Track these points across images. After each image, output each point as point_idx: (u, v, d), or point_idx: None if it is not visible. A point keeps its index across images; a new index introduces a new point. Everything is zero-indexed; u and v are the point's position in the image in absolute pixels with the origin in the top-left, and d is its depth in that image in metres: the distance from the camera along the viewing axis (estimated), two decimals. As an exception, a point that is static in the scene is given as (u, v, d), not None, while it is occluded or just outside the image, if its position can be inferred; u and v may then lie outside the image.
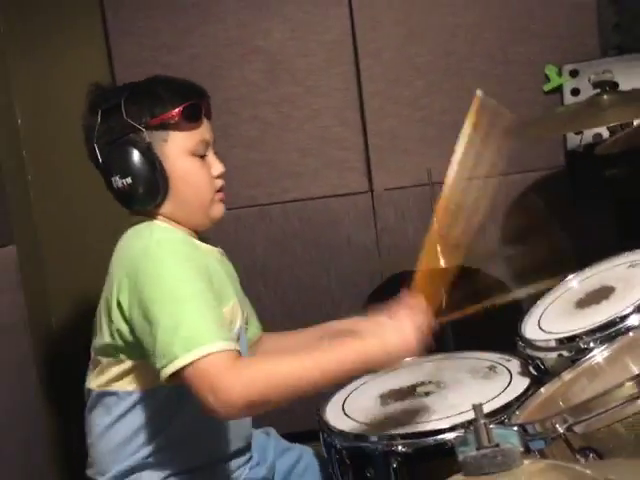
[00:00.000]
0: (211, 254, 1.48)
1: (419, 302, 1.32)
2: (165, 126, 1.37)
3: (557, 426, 0.90)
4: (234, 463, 1.48)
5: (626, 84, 2.01)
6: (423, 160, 2.31)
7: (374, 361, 1.28)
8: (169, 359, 1.18)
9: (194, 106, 1.39)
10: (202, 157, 1.43)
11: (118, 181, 1.36)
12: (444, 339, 2.04)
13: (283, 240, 2.39)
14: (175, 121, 1.36)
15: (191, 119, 1.38)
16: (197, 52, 2.32)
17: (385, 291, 2.35)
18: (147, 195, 1.36)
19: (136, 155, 1.34)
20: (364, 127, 2.36)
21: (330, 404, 1.63)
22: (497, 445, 0.54)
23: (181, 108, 1.36)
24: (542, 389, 1.20)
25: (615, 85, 1.84)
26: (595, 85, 1.76)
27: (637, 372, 1.13)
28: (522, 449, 0.55)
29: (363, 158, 2.37)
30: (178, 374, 1.18)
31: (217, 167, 1.45)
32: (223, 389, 1.15)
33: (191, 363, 1.16)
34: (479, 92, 1.50)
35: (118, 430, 1.40)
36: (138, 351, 1.30)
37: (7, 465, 1.77)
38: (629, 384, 0.89)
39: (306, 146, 2.36)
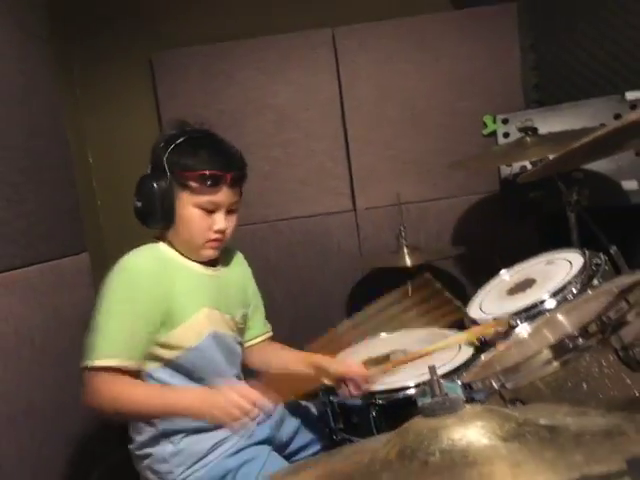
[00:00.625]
0: (192, 270, 1.36)
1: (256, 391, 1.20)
2: (185, 180, 1.28)
3: (493, 383, 0.91)
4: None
5: (543, 129, 2.03)
6: (392, 187, 2.32)
7: (192, 414, 1.22)
8: (83, 358, 1.22)
9: (213, 176, 1.27)
10: (210, 212, 1.31)
11: (136, 202, 1.32)
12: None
13: (289, 248, 2.38)
14: (193, 182, 1.27)
15: (206, 185, 1.27)
16: (223, 108, 2.33)
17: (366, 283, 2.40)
18: (150, 220, 1.31)
19: (154, 190, 1.28)
20: (349, 163, 2.36)
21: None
22: (446, 394, 0.56)
23: (201, 174, 1.26)
24: (482, 356, 1.19)
25: (535, 130, 1.84)
26: (520, 130, 1.76)
27: (553, 342, 1.13)
28: (464, 398, 0.56)
29: (348, 186, 2.38)
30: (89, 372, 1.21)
31: (218, 225, 1.31)
32: (90, 396, 1.21)
33: (87, 369, 1.20)
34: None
35: None
36: None
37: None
38: (546, 351, 0.90)
39: (305, 177, 2.36)
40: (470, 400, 1.02)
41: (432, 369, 0.61)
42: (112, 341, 1.22)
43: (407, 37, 2.33)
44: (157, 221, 1.31)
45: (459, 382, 0.91)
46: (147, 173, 1.34)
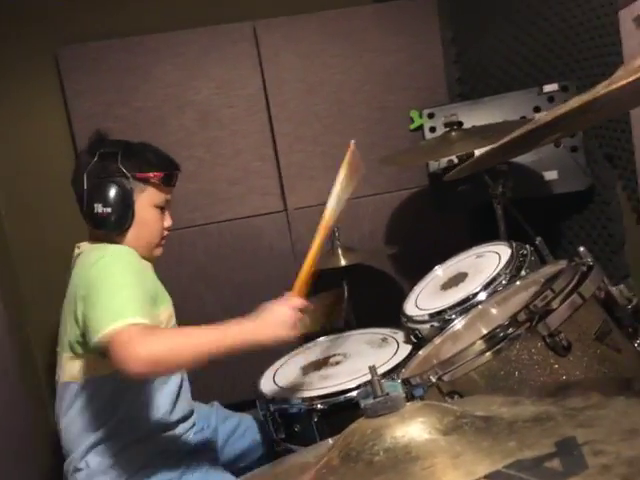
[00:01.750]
0: (150, 268, 1.48)
1: (292, 296, 1.38)
2: (146, 181, 1.41)
3: (431, 377, 0.96)
4: (179, 429, 1.44)
5: (468, 123, 2.13)
6: (324, 184, 2.33)
7: (253, 339, 1.24)
8: (99, 330, 1.16)
9: (171, 175, 1.46)
10: (162, 211, 1.47)
11: (100, 208, 1.37)
12: (350, 321, 2.12)
13: (219, 251, 2.36)
14: (155, 181, 1.42)
15: (167, 184, 1.45)
16: (142, 106, 2.27)
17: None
18: (117, 224, 1.38)
19: (119, 194, 1.37)
20: (277, 161, 2.38)
21: (264, 377, 1.64)
22: (387, 394, 0.59)
23: (162, 174, 1.42)
24: (420, 352, 1.25)
25: (460, 124, 1.94)
26: (446, 125, 1.85)
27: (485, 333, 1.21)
28: (405, 395, 0.59)
29: (278, 185, 2.39)
30: (105, 342, 1.15)
31: (168, 222, 1.50)
32: (132, 348, 1.12)
33: (114, 331, 1.14)
34: (352, 142, 1.57)
35: (75, 418, 1.36)
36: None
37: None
38: (479, 342, 0.96)
39: (232, 177, 2.35)
40: (410, 396, 1.08)
41: (372, 369, 0.64)
42: (131, 300, 1.22)
43: (330, 31, 2.37)
44: (122, 225, 1.39)
45: (399, 380, 0.95)
46: (100, 178, 1.39)
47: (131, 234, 1.41)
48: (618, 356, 0.94)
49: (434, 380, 0.96)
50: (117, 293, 1.24)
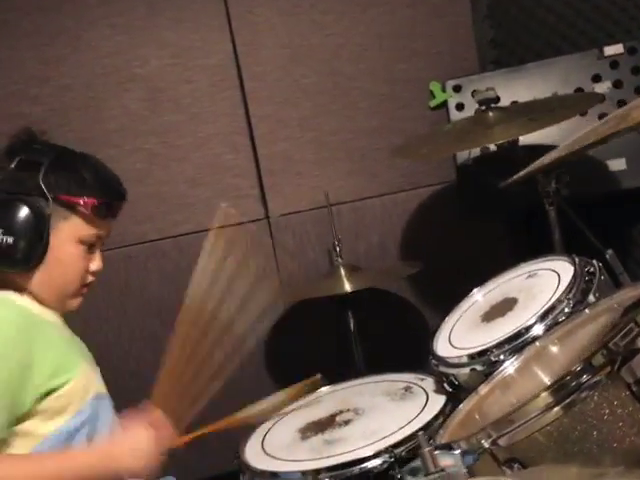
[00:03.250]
0: (52, 328, 1.43)
1: (162, 420, 1.36)
2: (72, 208, 1.37)
3: (482, 441, 0.99)
4: None
5: (506, 97, 2.20)
6: (318, 182, 2.42)
7: (101, 471, 1.28)
8: None
9: (107, 205, 1.42)
10: (89, 248, 1.43)
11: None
12: (355, 364, 2.15)
13: (178, 275, 2.37)
14: (83, 210, 1.38)
15: (99, 215, 1.40)
16: (69, 83, 2.31)
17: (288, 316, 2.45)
18: (18, 261, 1.35)
19: (29, 219, 1.34)
20: (255, 152, 2.42)
21: (249, 444, 1.66)
22: (443, 470, 0.62)
23: (95, 202, 1.38)
24: (461, 405, 1.28)
25: (498, 100, 2.01)
26: (480, 103, 1.91)
27: (548, 382, 1.24)
28: (465, 470, 0.62)
29: (256, 184, 2.43)
30: None
31: (97, 264, 1.46)
32: None
33: None
34: (223, 205, 1.66)
35: None
36: None
37: None
38: (544, 394, 0.99)
39: (195, 176, 2.39)
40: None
41: (422, 438, 0.67)
42: None
43: (322, -22, 2.43)
44: (25, 259, 1.35)
45: (458, 451, 0.97)
46: (9, 193, 1.37)
47: (39, 275, 1.38)
48: None
49: (487, 445, 0.98)
50: None
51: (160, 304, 2.39)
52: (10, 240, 1.33)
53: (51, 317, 1.43)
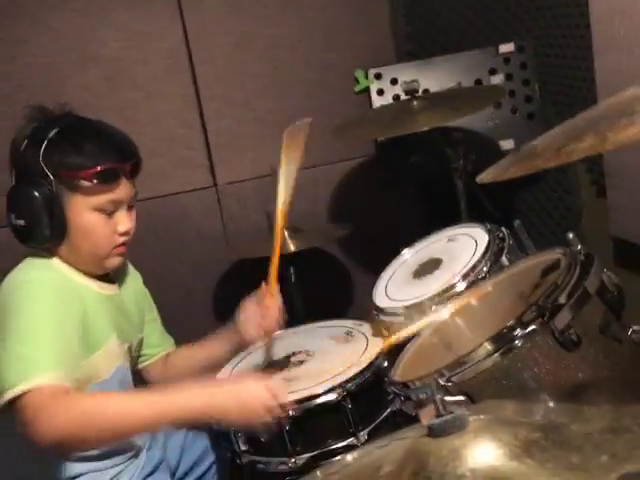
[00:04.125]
0: (94, 293, 1.38)
1: (280, 388, 1.29)
2: (76, 182, 1.27)
3: (439, 380, 1.06)
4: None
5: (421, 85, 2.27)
6: (259, 155, 2.41)
7: (217, 414, 1.24)
8: (5, 387, 1.13)
9: (110, 170, 1.29)
10: (110, 213, 1.33)
11: (13, 219, 1.28)
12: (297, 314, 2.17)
13: (138, 237, 2.26)
14: (87, 181, 1.27)
15: (104, 182, 1.28)
16: (33, 61, 2.19)
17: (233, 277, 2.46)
18: (38, 239, 1.28)
19: (37, 201, 1.25)
20: (204, 128, 2.38)
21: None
22: (452, 412, 0.68)
23: (96, 171, 1.26)
24: (406, 349, 1.36)
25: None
26: (406, 92, 1.95)
27: (477, 329, 1.34)
28: (467, 413, 0.68)
29: (205, 156, 2.40)
30: (12, 401, 1.12)
31: (123, 225, 1.35)
32: (40, 423, 1.08)
33: (22, 394, 1.10)
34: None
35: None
36: None
37: None
38: (487, 343, 1.07)
39: (151, 147, 2.29)
40: (409, 399, 1.19)
41: (434, 384, 0.72)
42: (47, 351, 1.17)
43: (264, -26, 2.39)
44: (46, 238, 1.28)
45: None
46: (16, 181, 1.30)
47: (67, 245, 1.31)
48: (620, 347, 1.10)
49: (442, 383, 1.06)
50: (31, 340, 1.17)
51: None
52: (21, 222, 1.27)
53: (92, 286, 1.37)
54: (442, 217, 2.07)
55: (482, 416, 0.69)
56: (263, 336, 1.49)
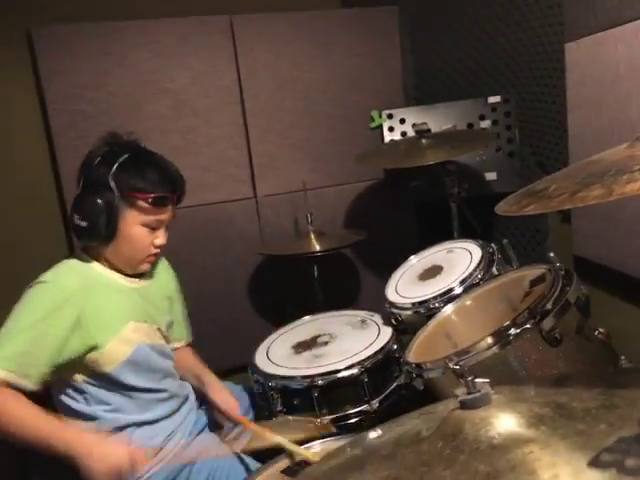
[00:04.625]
0: (119, 284, 1.39)
1: (140, 453, 1.23)
2: (134, 201, 1.32)
3: (450, 364, 1.12)
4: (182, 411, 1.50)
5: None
6: (291, 174, 2.46)
7: (76, 454, 1.15)
8: None
9: (163, 198, 1.35)
10: (153, 229, 1.38)
11: (76, 219, 1.32)
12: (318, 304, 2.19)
13: (190, 236, 2.36)
14: (143, 204, 1.33)
15: (156, 205, 1.34)
16: (115, 90, 2.21)
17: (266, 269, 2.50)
18: (92, 239, 1.33)
19: (101, 210, 1.29)
20: (249, 150, 2.41)
21: (257, 353, 1.73)
22: (479, 390, 0.73)
23: (152, 197, 1.32)
24: (421, 331, 1.41)
25: (429, 130, 2.09)
26: (417, 132, 2.00)
27: (476, 324, 1.39)
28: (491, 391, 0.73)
29: (249, 173, 2.43)
30: None
31: (160, 240, 1.40)
32: None
33: None
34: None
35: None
36: None
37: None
38: (488, 338, 1.13)
39: (206, 165, 2.36)
40: (420, 377, 1.24)
41: (459, 371, 0.78)
42: (10, 352, 1.18)
43: (302, 31, 2.43)
44: (99, 237, 1.32)
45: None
46: (84, 189, 1.33)
47: (112, 247, 1.35)
48: (590, 345, 1.16)
49: (451, 366, 1.11)
50: (9, 333, 1.19)
51: (177, 256, 2.24)
52: (83, 224, 1.30)
53: (119, 280, 1.39)
54: (438, 232, 2.12)
55: (500, 397, 0.74)
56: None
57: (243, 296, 2.48)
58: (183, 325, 1.70)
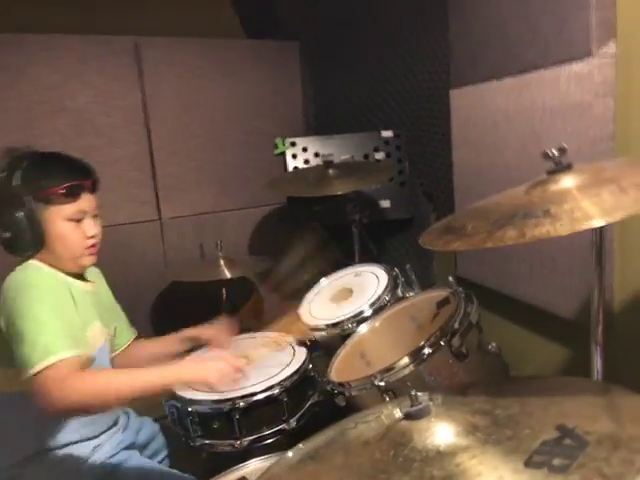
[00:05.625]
0: (77, 287, 1.41)
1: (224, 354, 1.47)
2: (49, 198, 1.30)
3: (375, 381, 1.22)
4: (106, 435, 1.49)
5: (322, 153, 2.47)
6: (197, 196, 2.47)
7: (174, 384, 1.41)
8: (29, 367, 1.17)
9: (76, 187, 1.34)
10: (78, 221, 1.37)
11: (2, 233, 1.30)
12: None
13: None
14: (57, 196, 1.31)
15: (71, 196, 1.33)
16: (13, 106, 2.09)
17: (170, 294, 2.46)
18: (23, 248, 1.32)
19: (19, 218, 1.28)
20: (154, 172, 2.39)
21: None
22: (421, 403, 0.83)
23: (64, 188, 1.31)
24: (340, 352, 1.49)
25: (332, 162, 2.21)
26: (324, 163, 2.11)
27: (390, 344, 1.51)
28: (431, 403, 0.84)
29: (153, 194, 2.41)
30: (37, 378, 1.17)
31: (90, 230, 1.39)
32: (58, 391, 1.15)
33: (43, 369, 1.16)
34: None
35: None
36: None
37: None
38: (405, 357, 1.23)
39: (108, 185, 2.27)
40: (342, 394, 1.33)
41: (385, 387, 0.87)
42: (57, 336, 1.21)
43: (208, 57, 2.47)
44: (30, 246, 1.31)
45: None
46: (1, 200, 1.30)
47: (48, 252, 1.34)
48: (487, 357, 1.33)
49: (376, 383, 1.22)
50: (41, 326, 1.21)
51: None
52: (7, 235, 1.30)
53: (75, 283, 1.39)
54: (343, 256, 2.25)
55: (438, 407, 0.85)
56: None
57: (144, 323, 2.43)
58: (127, 328, 1.70)
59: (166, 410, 1.67)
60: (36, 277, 1.30)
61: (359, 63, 2.64)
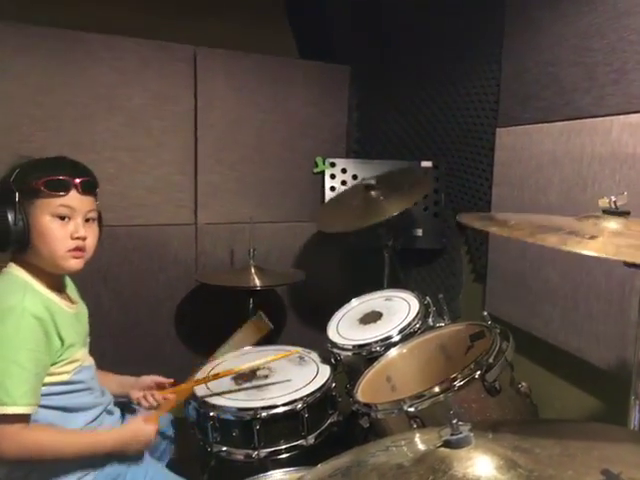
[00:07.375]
0: (61, 312, 1.35)
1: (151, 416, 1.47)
2: (33, 191, 1.28)
3: (404, 406, 1.21)
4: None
5: (360, 175, 2.51)
6: (233, 207, 2.50)
7: (119, 449, 1.37)
8: None
9: (60, 181, 1.29)
10: (65, 219, 1.31)
11: None
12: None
13: (124, 254, 2.32)
14: (39, 189, 1.28)
15: (54, 189, 1.29)
16: (70, 100, 2.15)
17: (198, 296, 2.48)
18: (10, 242, 1.28)
19: (5, 211, 1.26)
20: (196, 178, 2.42)
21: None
22: (461, 432, 0.83)
23: (47, 180, 1.28)
24: (366, 373, 1.48)
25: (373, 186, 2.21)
26: (366, 186, 2.13)
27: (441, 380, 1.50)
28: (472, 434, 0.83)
29: (193, 199, 2.43)
30: None
31: (77, 231, 1.31)
32: (3, 442, 1.20)
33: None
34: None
35: None
36: None
37: None
38: (436, 386, 1.23)
39: (152, 186, 2.34)
40: (368, 415, 1.32)
41: (451, 418, 0.87)
42: (23, 387, 1.21)
43: (261, 72, 2.51)
44: (14, 242, 1.28)
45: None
46: None
47: (34, 250, 1.30)
48: (517, 396, 1.32)
49: (405, 408, 1.21)
50: (13, 371, 1.20)
51: (105, 272, 2.31)
52: (3, 229, 1.26)
53: (63, 306, 1.36)
54: (369, 278, 2.25)
55: (478, 439, 0.84)
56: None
57: (168, 322, 2.44)
58: None
59: (187, 412, 1.69)
60: (20, 301, 1.25)
61: (407, 93, 2.68)
